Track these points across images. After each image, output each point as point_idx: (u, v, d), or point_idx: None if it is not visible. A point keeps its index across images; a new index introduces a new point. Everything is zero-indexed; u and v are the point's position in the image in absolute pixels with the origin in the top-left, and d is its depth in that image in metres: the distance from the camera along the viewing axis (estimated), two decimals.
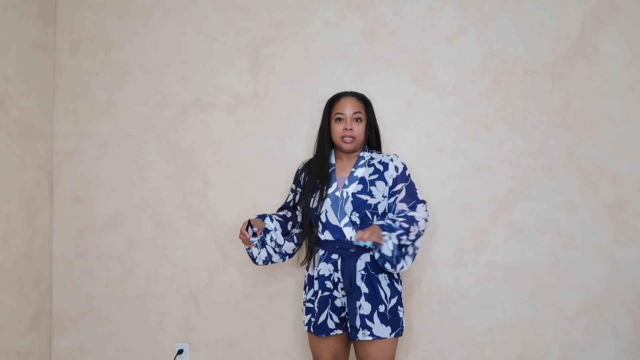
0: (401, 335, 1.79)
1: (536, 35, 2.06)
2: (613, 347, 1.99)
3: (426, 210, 1.80)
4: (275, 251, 1.87)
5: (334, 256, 1.80)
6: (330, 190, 1.82)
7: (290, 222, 1.94)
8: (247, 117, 2.25)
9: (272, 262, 1.90)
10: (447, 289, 2.09)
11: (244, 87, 2.25)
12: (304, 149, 2.19)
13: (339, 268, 1.78)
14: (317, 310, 1.81)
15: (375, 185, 1.80)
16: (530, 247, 2.05)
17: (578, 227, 2.02)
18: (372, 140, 1.92)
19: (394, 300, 1.77)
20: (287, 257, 1.93)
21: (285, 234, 1.90)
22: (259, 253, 1.85)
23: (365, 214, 1.78)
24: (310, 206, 1.84)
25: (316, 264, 1.84)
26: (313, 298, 1.84)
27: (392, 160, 1.85)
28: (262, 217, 1.87)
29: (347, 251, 1.78)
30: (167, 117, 2.31)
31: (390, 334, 1.74)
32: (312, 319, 1.82)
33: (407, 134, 2.13)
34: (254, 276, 2.23)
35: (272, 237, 1.86)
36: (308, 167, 1.93)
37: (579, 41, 2.03)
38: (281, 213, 1.95)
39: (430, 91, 2.12)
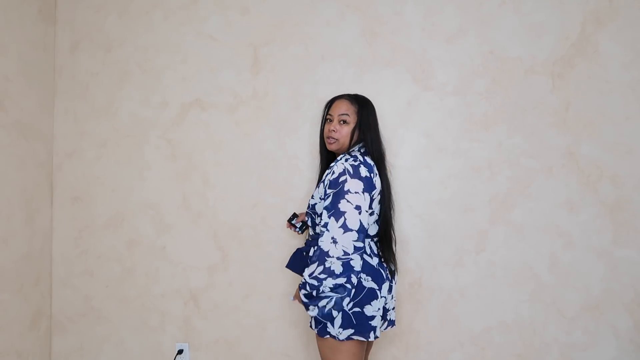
0: (322, 336, 1.65)
1: (536, 35, 2.06)
2: (613, 347, 1.99)
3: (345, 232, 1.57)
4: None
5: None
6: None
7: None
8: (247, 117, 2.25)
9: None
10: (447, 289, 2.09)
11: (244, 87, 2.25)
12: (304, 149, 2.19)
13: None
14: None
15: (319, 187, 1.78)
16: (530, 247, 2.05)
17: (578, 227, 2.02)
18: (368, 143, 1.79)
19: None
20: None
21: None
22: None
23: (310, 214, 1.82)
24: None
25: None
26: None
27: (335, 164, 1.70)
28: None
29: (309, 243, 1.84)
30: (167, 117, 2.31)
31: (315, 327, 1.68)
32: None
33: (407, 134, 2.13)
34: (254, 276, 2.23)
35: None
36: None
37: (579, 41, 2.03)
38: None
39: (430, 91, 2.12)
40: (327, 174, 1.73)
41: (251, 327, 2.23)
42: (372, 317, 1.65)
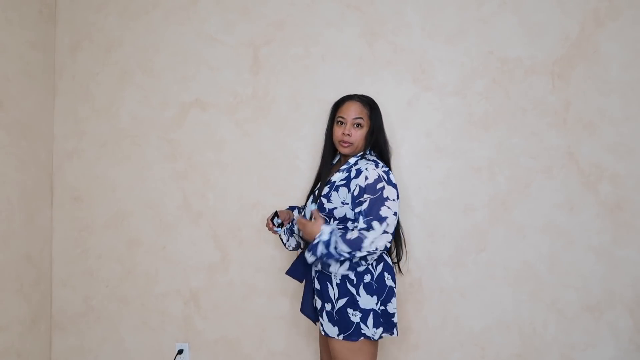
0: (355, 339, 1.67)
1: (536, 35, 2.06)
2: (613, 347, 1.99)
3: (383, 234, 1.65)
4: (302, 239, 1.93)
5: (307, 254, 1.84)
6: (316, 192, 1.84)
7: None
8: (247, 117, 2.25)
9: (302, 249, 1.95)
10: (447, 289, 2.09)
11: (244, 87, 2.25)
12: (304, 149, 2.19)
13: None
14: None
15: (337, 191, 1.74)
16: (530, 247, 2.05)
17: (578, 227, 2.02)
18: (382, 146, 1.85)
19: (342, 302, 1.69)
20: None
21: None
22: (287, 240, 1.93)
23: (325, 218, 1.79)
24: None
25: None
26: None
27: (366, 169, 1.72)
28: (292, 209, 1.97)
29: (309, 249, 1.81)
30: (167, 117, 2.31)
31: (337, 335, 1.68)
32: None
33: (407, 134, 2.13)
34: (254, 276, 2.23)
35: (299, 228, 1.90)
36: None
37: (579, 41, 2.03)
38: None
39: (430, 91, 2.12)
40: (352, 179, 1.73)
41: (251, 327, 2.23)
42: (394, 314, 1.74)
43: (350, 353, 1.69)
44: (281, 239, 1.95)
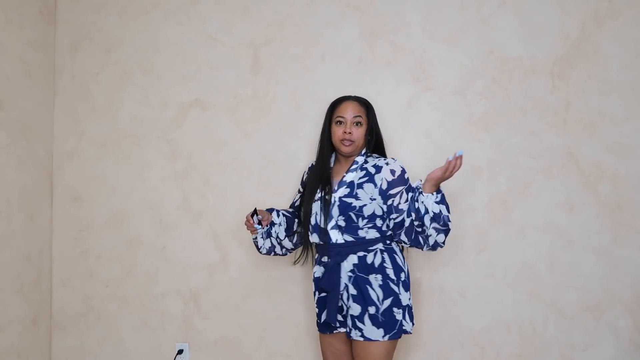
0: (398, 337, 1.75)
1: (536, 35, 2.06)
2: (613, 347, 1.99)
3: None
4: (278, 243, 1.93)
5: (324, 259, 1.82)
6: (322, 194, 1.83)
7: (296, 221, 1.98)
8: (247, 117, 2.25)
9: (276, 254, 1.97)
10: (447, 289, 2.09)
11: (244, 87, 2.25)
12: (304, 149, 2.19)
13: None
14: (316, 310, 1.86)
15: (362, 188, 1.78)
16: (530, 247, 2.04)
17: (578, 227, 2.02)
18: (372, 145, 1.90)
19: (387, 302, 1.73)
20: (288, 252, 1.99)
21: (290, 232, 1.94)
22: (263, 242, 1.92)
23: (349, 216, 1.77)
24: (309, 208, 1.86)
25: (313, 266, 1.91)
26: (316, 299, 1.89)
27: (387, 164, 1.81)
28: (271, 210, 1.93)
29: (334, 252, 1.79)
30: (167, 117, 2.31)
31: (382, 337, 1.70)
32: (317, 319, 1.87)
33: (407, 134, 2.13)
34: (254, 276, 2.23)
35: (276, 230, 1.91)
36: (311, 170, 1.97)
37: (579, 41, 2.03)
38: (291, 210, 2.01)
39: (430, 91, 2.12)
40: (375, 174, 1.79)
41: (251, 327, 2.23)
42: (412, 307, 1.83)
43: (390, 353, 1.75)
44: (255, 242, 1.94)
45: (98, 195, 2.36)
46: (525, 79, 2.06)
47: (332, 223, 1.79)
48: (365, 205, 1.76)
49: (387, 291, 1.74)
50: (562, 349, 2.02)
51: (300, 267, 2.14)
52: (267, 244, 1.92)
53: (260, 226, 1.85)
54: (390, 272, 1.76)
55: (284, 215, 1.94)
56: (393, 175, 1.79)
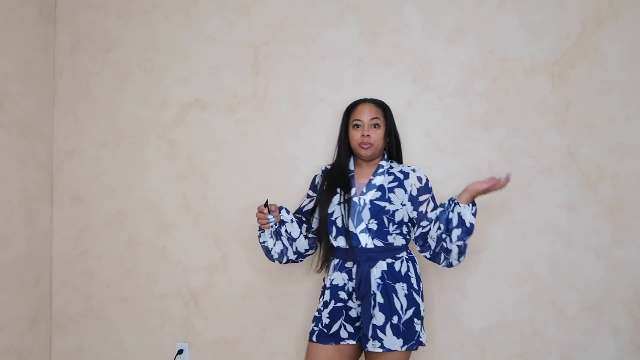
0: (415, 349, 1.71)
1: (536, 35, 2.06)
2: (613, 347, 1.99)
3: None
4: (290, 244, 1.82)
5: (348, 264, 1.76)
6: (347, 196, 1.77)
7: (305, 226, 1.87)
8: (247, 117, 2.25)
9: (288, 260, 1.85)
10: (447, 289, 2.09)
11: (244, 87, 2.25)
12: (304, 149, 2.19)
13: (354, 276, 1.73)
14: (326, 320, 1.75)
15: (394, 193, 1.76)
16: (530, 247, 2.05)
17: (578, 227, 2.02)
18: (392, 149, 1.89)
19: (409, 312, 1.70)
20: (300, 258, 1.89)
21: (299, 233, 1.84)
22: (274, 245, 1.81)
23: (382, 219, 1.73)
24: (328, 212, 1.79)
25: (330, 273, 1.82)
26: (321, 307, 1.79)
27: (414, 170, 1.83)
28: (280, 208, 1.82)
29: (363, 257, 1.73)
30: (167, 117, 2.31)
31: (401, 347, 1.67)
32: (316, 328, 1.77)
33: (407, 134, 2.12)
34: (254, 276, 2.23)
35: (287, 229, 1.81)
36: (326, 173, 1.90)
37: (579, 41, 2.03)
38: (299, 215, 1.92)
39: (430, 91, 2.12)
40: (404, 180, 1.79)
41: (251, 327, 2.23)
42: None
43: None
44: (264, 246, 1.82)
45: (98, 195, 2.36)
46: (525, 79, 2.06)
47: (361, 226, 1.74)
48: (397, 210, 1.75)
49: (410, 301, 1.72)
50: (562, 349, 2.02)
51: (300, 267, 2.14)
52: (279, 246, 1.82)
53: (273, 219, 1.73)
54: (414, 281, 1.75)
55: (293, 215, 1.86)
56: (420, 182, 1.81)
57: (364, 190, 1.78)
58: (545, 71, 2.05)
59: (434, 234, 1.72)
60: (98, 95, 2.37)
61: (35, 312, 2.29)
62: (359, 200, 1.76)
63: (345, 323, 1.74)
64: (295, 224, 1.83)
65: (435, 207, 1.80)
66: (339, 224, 1.76)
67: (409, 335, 1.69)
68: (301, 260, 1.92)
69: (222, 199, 2.26)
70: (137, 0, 2.34)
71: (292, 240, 1.82)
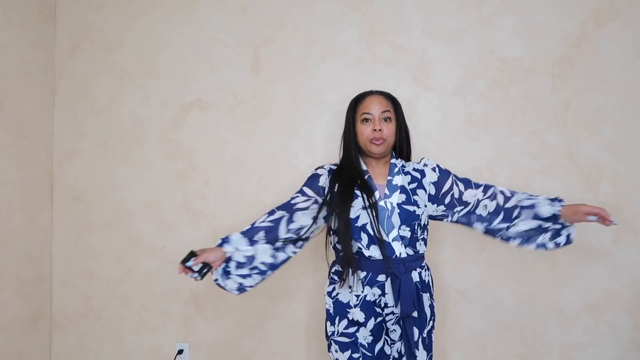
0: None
1: (536, 35, 2.06)
2: (613, 347, 1.99)
3: None
4: (249, 273, 1.58)
5: (381, 277, 1.56)
6: (373, 200, 1.56)
7: (301, 242, 1.65)
8: (247, 117, 2.25)
9: (251, 287, 1.61)
10: (447, 289, 2.09)
11: (244, 87, 2.25)
12: (304, 149, 2.19)
13: (386, 290, 1.56)
14: (369, 339, 1.57)
15: (417, 194, 1.61)
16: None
17: (578, 227, 2.01)
18: (403, 145, 1.71)
19: (431, 323, 1.63)
20: (270, 271, 1.64)
21: (273, 240, 1.60)
22: (225, 285, 1.58)
23: (413, 225, 1.57)
24: (351, 217, 1.57)
25: (355, 288, 1.57)
26: (349, 331, 1.57)
27: (425, 165, 1.69)
28: (226, 240, 1.59)
29: (400, 269, 1.54)
30: (167, 117, 2.31)
31: None
32: (355, 355, 1.55)
33: None
34: None
35: (239, 259, 1.56)
36: (336, 174, 1.66)
37: (579, 41, 2.03)
38: (270, 218, 1.63)
39: (430, 91, 2.12)
40: (421, 179, 1.65)
41: (251, 327, 2.23)
42: None
43: None
44: (218, 283, 1.56)
45: (98, 195, 2.36)
46: (525, 79, 2.06)
47: (393, 233, 1.56)
48: (423, 213, 1.61)
49: (432, 311, 1.64)
50: (562, 349, 2.02)
51: (300, 267, 2.14)
52: (233, 285, 1.56)
53: (199, 275, 1.44)
54: (433, 291, 1.68)
55: (257, 235, 1.58)
56: (435, 172, 1.68)
57: (387, 193, 1.60)
58: (545, 71, 2.05)
59: (522, 224, 1.61)
60: (98, 96, 2.37)
61: (35, 312, 2.29)
62: (385, 204, 1.58)
63: (387, 338, 1.60)
64: (265, 250, 1.57)
65: (465, 182, 1.67)
66: (370, 231, 1.55)
67: (430, 346, 1.62)
68: (271, 274, 1.66)
69: (222, 199, 2.26)
70: (137, 0, 2.34)
71: (250, 261, 1.57)
